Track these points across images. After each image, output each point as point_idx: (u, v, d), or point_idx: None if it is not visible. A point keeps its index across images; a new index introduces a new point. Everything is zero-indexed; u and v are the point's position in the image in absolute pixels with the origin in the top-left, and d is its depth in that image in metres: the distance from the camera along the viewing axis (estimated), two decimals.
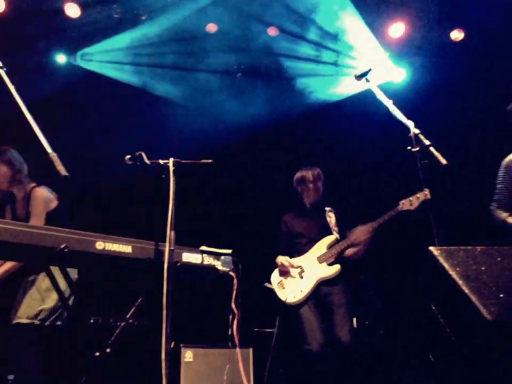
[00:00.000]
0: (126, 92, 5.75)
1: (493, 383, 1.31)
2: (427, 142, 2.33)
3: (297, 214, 4.01)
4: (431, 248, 1.53)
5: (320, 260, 3.67)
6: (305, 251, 3.78)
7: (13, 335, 3.11)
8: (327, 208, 3.89)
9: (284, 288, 3.74)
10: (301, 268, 3.71)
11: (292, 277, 3.72)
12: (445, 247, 1.53)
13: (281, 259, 3.78)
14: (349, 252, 3.68)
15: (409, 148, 2.40)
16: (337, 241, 3.71)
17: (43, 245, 2.27)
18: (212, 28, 5.39)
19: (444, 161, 2.23)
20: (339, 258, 3.67)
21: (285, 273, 3.77)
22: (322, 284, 3.62)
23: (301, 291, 3.62)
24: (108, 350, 2.53)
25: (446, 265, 1.47)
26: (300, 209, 4.01)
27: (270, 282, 3.87)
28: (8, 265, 3.21)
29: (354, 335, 3.70)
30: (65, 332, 3.30)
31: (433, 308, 3.14)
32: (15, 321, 3.13)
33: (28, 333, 3.07)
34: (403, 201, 3.48)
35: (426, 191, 3.37)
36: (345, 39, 5.46)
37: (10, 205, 3.50)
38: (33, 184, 3.48)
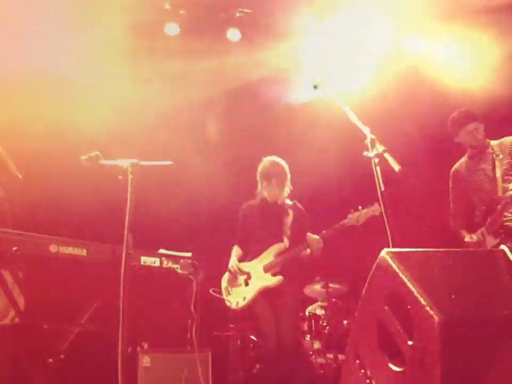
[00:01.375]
0: None
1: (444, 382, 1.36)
2: (382, 148, 2.39)
3: (256, 208, 3.95)
4: (384, 250, 1.57)
5: (265, 268, 3.68)
6: (255, 255, 3.77)
7: None
8: (288, 202, 3.88)
9: (229, 294, 3.76)
10: (248, 275, 3.73)
11: (238, 283, 3.75)
12: (397, 250, 1.58)
13: (232, 264, 3.80)
14: (303, 255, 3.70)
15: (365, 153, 2.45)
16: (285, 250, 3.70)
17: None
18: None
19: (397, 167, 2.30)
20: (285, 266, 3.65)
21: (232, 278, 3.79)
22: (267, 291, 3.62)
23: (244, 298, 3.64)
24: (62, 356, 2.46)
25: (397, 268, 1.51)
26: (259, 202, 3.94)
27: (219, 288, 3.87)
28: None
29: (296, 340, 3.75)
30: (16, 335, 3.17)
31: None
32: None
33: None
34: (350, 215, 3.54)
35: (374, 207, 3.49)
36: (305, 46, 5.54)
37: None
38: None
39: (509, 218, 3.44)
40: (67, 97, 5.38)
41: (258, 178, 3.93)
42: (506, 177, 3.54)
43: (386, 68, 5.57)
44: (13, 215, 3.31)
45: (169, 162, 2.79)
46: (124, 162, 2.60)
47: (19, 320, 3.08)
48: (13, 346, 3.08)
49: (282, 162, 3.92)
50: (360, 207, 3.53)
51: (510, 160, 3.59)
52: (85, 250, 2.38)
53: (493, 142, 3.71)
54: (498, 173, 3.56)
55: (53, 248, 2.30)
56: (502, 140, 3.70)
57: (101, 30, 5.07)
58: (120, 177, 2.54)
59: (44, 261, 2.41)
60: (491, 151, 3.67)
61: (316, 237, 3.57)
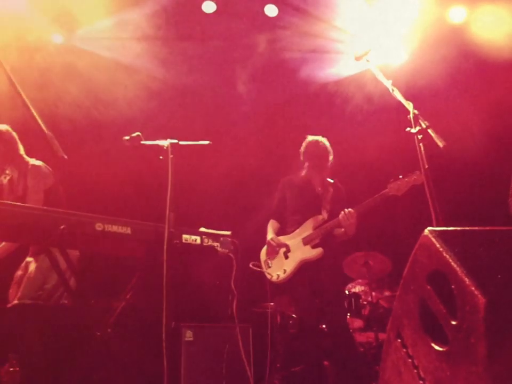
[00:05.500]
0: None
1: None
2: (426, 123, 2.31)
3: (297, 183, 3.93)
4: (427, 229, 1.53)
5: (305, 241, 3.66)
6: (294, 229, 3.77)
7: (16, 315, 3.12)
8: (329, 181, 3.86)
9: (269, 267, 3.77)
10: (287, 248, 3.72)
11: (278, 256, 3.75)
12: (441, 228, 1.54)
13: (271, 237, 3.80)
14: (336, 233, 3.68)
15: (408, 129, 2.38)
16: (324, 222, 3.68)
17: (43, 226, 2.29)
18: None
19: (441, 143, 2.22)
20: (325, 240, 3.64)
21: (272, 251, 3.79)
22: (308, 265, 3.61)
23: (284, 271, 3.64)
24: (109, 330, 2.56)
25: (441, 246, 1.48)
26: (300, 178, 3.92)
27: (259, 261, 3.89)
28: (7, 246, 3.22)
29: (344, 314, 3.74)
30: (67, 312, 3.33)
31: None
32: (16, 301, 3.15)
33: (31, 313, 3.09)
34: (391, 184, 3.44)
35: (416, 175, 3.36)
36: (344, 18, 5.39)
37: (7, 184, 3.47)
38: (30, 160, 3.46)
39: None
40: (107, 80, 5.49)
41: (301, 157, 3.92)
42: None
43: (430, 39, 5.36)
44: (58, 192, 3.44)
45: (207, 142, 2.81)
46: (164, 142, 2.64)
47: (69, 300, 3.22)
48: (63, 322, 3.23)
49: (325, 142, 3.90)
50: (400, 176, 3.44)
51: None
52: (129, 228, 2.44)
53: None
54: None
55: (98, 227, 2.37)
56: None
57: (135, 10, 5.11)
58: (160, 157, 2.58)
59: (90, 238, 2.49)
60: None
61: (347, 210, 3.49)
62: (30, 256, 3.34)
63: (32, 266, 3.26)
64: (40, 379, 2.86)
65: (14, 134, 3.48)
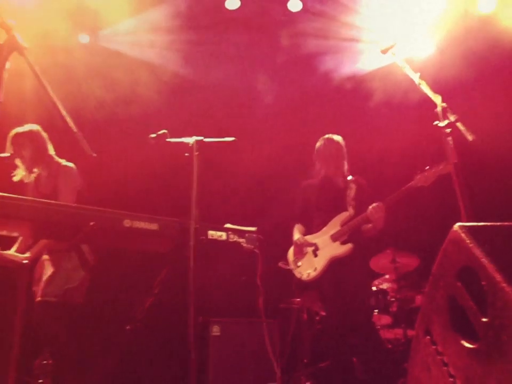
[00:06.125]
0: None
1: None
2: (455, 117, 2.27)
3: (317, 185, 3.93)
4: (456, 224, 1.51)
5: (333, 238, 3.65)
6: (320, 227, 3.76)
7: (42, 312, 3.17)
8: (350, 178, 3.83)
9: (299, 266, 3.77)
10: (315, 246, 3.71)
11: (307, 254, 3.74)
12: (471, 224, 1.51)
13: (297, 237, 3.80)
14: (364, 229, 3.65)
15: (436, 122, 2.34)
16: (351, 218, 3.65)
17: (72, 223, 2.33)
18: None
19: (471, 137, 2.17)
20: (353, 236, 3.62)
21: (300, 250, 3.79)
22: (337, 261, 3.60)
23: (315, 269, 3.64)
24: (138, 324, 2.60)
25: (471, 242, 1.45)
26: (319, 180, 3.93)
27: (286, 260, 3.90)
28: (42, 243, 3.27)
29: (370, 312, 3.71)
30: (97, 306, 3.39)
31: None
32: (41, 298, 3.19)
33: (57, 310, 3.15)
34: (418, 176, 3.38)
35: (443, 164, 3.28)
36: (369, 11, 5.31)
37: (32, 182, 3.51)
38: (61, 161, 3.51)
39: None
40: (131, 78, 5.57)
41: (315, 156, 3.93)
42: None
43: (457, 31, 5.24)
44: (91, 198, 3.49)
45: (232, 138, 2.82)
46: (189, 140, 2.67)
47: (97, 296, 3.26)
48: (93, 316, 3.29)
49: (338, 138, 3.88)
50: (427, 167, 3.38)
51: None
52: (156, 225, 2.47)
53: None
54: None
55: (126, 223, 2.41)
56: None
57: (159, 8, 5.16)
58: (186, 154, 2.61)
59: (118, 235, 2.53)
60: None
61: (375, 204, 3.47)
62: (47, 253, 3.37)
63: (53, 265, 3.28)
64: (71, 371, 2.93)
65: (44, 134, 3.53)
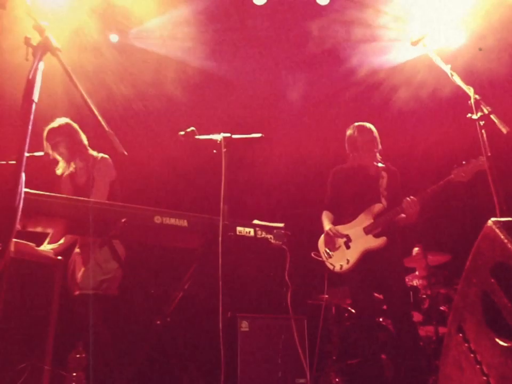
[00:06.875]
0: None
1: None
2: (488, 109, 2.20)
3: (349, 172, 3.82)
4: (491, 220, 1.47)
5: (366, 230, 3.57)
6: (352, 218, 3.68)
7: (81, 305, 3.25)
8: (381, 166, 3.74)
9: (330, 257, 3.70)
10: (348, 237, 3.64)
11: (338, 246, 3.67)
12: (505, 219, 1.47)
13: (329, 227, 3.71)
14: (397, 219, 3.57)
15: (469, 115, 2.28)
16: (384, 210, 3.58)
17: (105, 219, 2.39)
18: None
19: (505, 129, 2.11)
20: (387, 228, 3.55)
21: (330, 241, 3.71)
22: (370, 254, 3.54)
23: (348, 261, 3.56)
24: (168, 319, 2.64)
25: (505, 238, 1.41)
26: (351, 167, 3.83)
27: (318, 252, 3.82)
28: (69, 238, 3.34)
29: (407, 305, 3.66)
30: (128, 301, 3.45)
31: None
32: (79, 292, 3.27)
33: (95, 303, 3.22)
34: (455, 170, 3.28)
35: (481, 160, 3.18)
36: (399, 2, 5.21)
37: (67, 176, 3.55)
38: (98, 153, 3.53)
39: None
40: (159, 76, 5.64)
41: (347, 144, 3.84)
42: None
43: (489, 22, 5.08)
44: (122, 193, 3.55)
45: (259, 135, 2.82)
46: (217, 136, 2.69)
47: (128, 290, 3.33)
48: (125, 310, 3.35)
49: (370, 126, 3.78)
50: (464, 162, 3.28)
51: None
52: (185, 221, 2.51)
53: None
54: None
55: (157, 219, 2.45)
56: None
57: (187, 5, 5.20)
58: (214, 151, 2.63)
59: (149, 231, 2.58)
60: None
61: (410, 198, 3.40)
62: (78, 248, 3.45)
63: (85, 258, 3.32)
64: (105, 365, 3.00)
65: (75, 125, 3.52)
